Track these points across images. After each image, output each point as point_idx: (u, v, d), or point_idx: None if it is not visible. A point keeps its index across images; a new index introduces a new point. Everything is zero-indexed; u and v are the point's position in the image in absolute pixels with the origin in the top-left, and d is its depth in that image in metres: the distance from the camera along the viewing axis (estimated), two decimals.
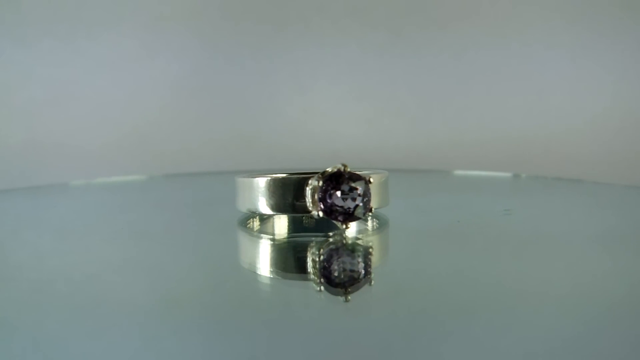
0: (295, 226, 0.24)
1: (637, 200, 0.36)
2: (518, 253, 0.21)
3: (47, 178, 0.51)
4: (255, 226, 0.25)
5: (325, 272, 0.18)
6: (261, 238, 0.23)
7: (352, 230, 0.24)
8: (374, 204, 0.23)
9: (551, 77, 0.55)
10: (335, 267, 0.19)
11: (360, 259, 0.20)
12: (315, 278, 0.18)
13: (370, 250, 0.21)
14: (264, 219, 0.25)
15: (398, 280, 0.18)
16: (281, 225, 0.24)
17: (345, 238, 0.22)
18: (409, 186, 0.41)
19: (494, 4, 0.54)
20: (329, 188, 0.21)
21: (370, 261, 0.19)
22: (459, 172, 0.50)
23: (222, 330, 0.14)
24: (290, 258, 0.21)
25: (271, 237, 0.24)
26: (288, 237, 0.24)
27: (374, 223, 0.25)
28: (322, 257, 0.20)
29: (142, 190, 0.44)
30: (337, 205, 0.21)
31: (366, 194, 0.21)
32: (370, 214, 0.21)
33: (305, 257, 0.20)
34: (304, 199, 0.21)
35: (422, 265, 0.20)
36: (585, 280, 0.18)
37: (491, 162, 0.55)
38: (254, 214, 0.25)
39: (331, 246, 0.21)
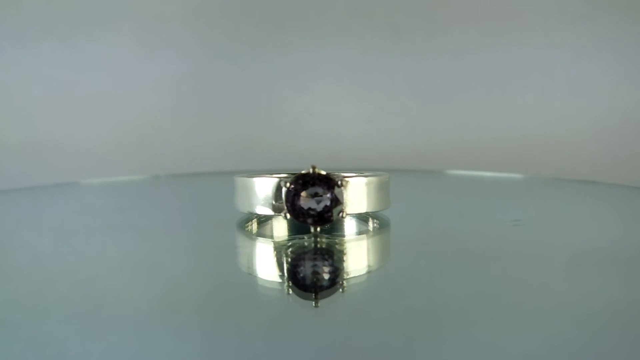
0: (295, 228, 0.24)
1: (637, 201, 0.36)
2: (518, 256, 0.21)
3: (47, 178, 0.51)
4: (254, 227, 0.25)
5: (293, 276, 0.18)
6: (260, 240, 0.23)
7: (352, 231, 0.24)
8: (372, 206, 0.23)
9: (551, 77, 0.55)
10: (304, 272, 0.18)
11: (331, 265, 0.19)
12: (285, 281, 0.18)
13: (343, 255, 0.21)
14: (262, 220, 0.25)
15: (395, 282, 0.18)
16: (280, 227, 0.24)
17: (316, 242, 0.21)
18: (409, 187, 0.41)
19: (494, 5, 0.54)
20: (298, 190, 0.20)
21: (343, 267, 0.19)
22: (459, 173, 0.50)
23: (220, 331, 0.14)
24: (284, 260, 0.21)
25: (270, 239, 0.23)
26: (288, 239, 0.23)
27: (374, 224, 0.25)
28: (291, 261, 0.20)
29: (142, 190, 0.44)
30: (304, 208, 0.20)
31: (337, 197, 0.20)
32: (342, 217, 0.21)
33: (297, 260, 0.20)
34: (281, 199, 0.21)
35: (420, 267, 0.20)
36: (586, 286, 0.18)
37: (491, 162, 0.55)
38: (251, 214, 0.25)
39: (302, 250, 0.21)
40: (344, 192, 0.21)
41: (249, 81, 0.55)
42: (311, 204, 0.20)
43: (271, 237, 0.24)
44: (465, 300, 0.16)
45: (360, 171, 0.26)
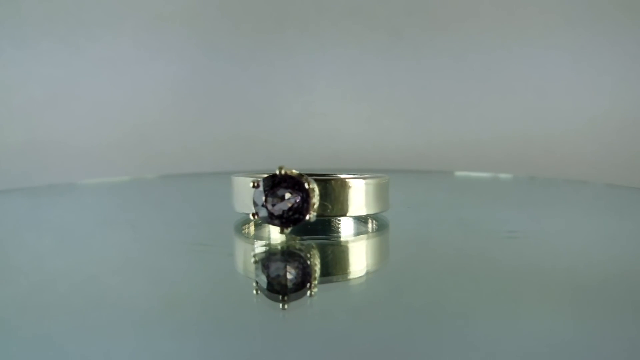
0: (292, 230, 0.24)
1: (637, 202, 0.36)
2: (516, 258, 0.21)
3: (47, 178, 0.51)
4: (252, 229, 0.24)
5: (261, 278, 0.18)
6: (256, 242, 0.23)
7: (349, 233, 0.23)
8: (371, 208, 0.23)
9: (551, 77, 0.55)
10: (269, 274, 0.18)
11: (300, 268, 0.19)
12: (254, 282, 0.18)
13: (309, 259, 0.20)
14: (259, 221, 0.25)
15: (392, 283, 0.18)
16: (277, 228, 0.24)
17: (287, 244, 0.21)
18: (409, 187, 0.41)
19: (494, 5, 0.54)
20: (266, 191, 0.20)
21: (312, 271, 0.19)
22: (459, 173, 0.50)
23: (218, 332, 0.14)
24: (255, 262, 0.21)
25: (267, 240, 0.23)
26: (284, 241, 0.23)
27: (374, 225, 0.25)
28: (259, 263, 0.20)
29: (141, 191, 0.44)
30: (273, 210, 0.20)
31: (305, 199, 0.20)
32: (310, 219, 0.20)
33: (264, 262, 0.20)
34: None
35: (417, 269, 0.20)
36: (585, 286, 0.18)
37: (491, 163, 0.55)
38: (247, 215, 0.24)
39: (273, 252, 0.21)
40: (313, 193, 0.20)
41: (249, 81, 0.55)
42: (282, 205, 0.20)
43: (268, 239, 0.23)
44: (462, 304, 0.16)
45: (359, 173, 0.26)
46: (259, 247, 0.22)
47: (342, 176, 0.25)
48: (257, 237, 0.24)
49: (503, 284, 0.18)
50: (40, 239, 0.25)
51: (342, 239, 0.23)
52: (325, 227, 0.23)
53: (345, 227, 0.24)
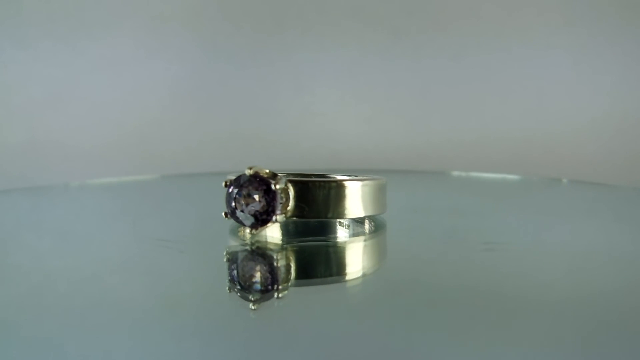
0: (288, 231, 0.23)
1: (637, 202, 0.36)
2: (517, 258, 0.21)
3: (47, 178, 0.51)
4: (248, 230, 0.24)
5: (232, 278, 0.18)
6: (253, 244, 0.23)
7: (345, 234, 0.23)
8: (368, 210, 0.23)
9: (551, 78, 0.55)
10: (241, 274, 0.18)
11: (271, 270, 0.19)
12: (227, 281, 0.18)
13: (276, 261, 0.20)
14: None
15: (385, 285, 0.18)
16: (274, 230, 0.24)
17: (260, 246, 0.21)
18: (409, 188, 0.41)
19: (494, 5, 0.54)
20: (235, 191, 0.20)
21: (280, 273, 0.19)
22: (458, 174, 0.50)
23: (217, 333, 0.14)
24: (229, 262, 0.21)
25: (263, 242, 0.23)
26: (282, 243, 0.23)
27: (371, 226, 0.25)
28: (229, 262, 0.20)
29: (141, 191, 0.44)
30: (239, 210, 0.20)
31: (271, 200, 0.20)
32: (278, 220, 0.20)
33: (235, 262, 0.20)
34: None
35: (413, 270, 0.20)
36: (583, 283, 0.18)
37: (491, 163, 0.55)
38: None
39: (246, 253, 0.21)
40: (285, 194, 0.20)
41: (249, 81, 0.55)
42: (253, 205, 0.20)
43: (265, 241, 0.23)
44: (457, 306, 0.16)
45: (358, 173, 0.26)
46: (235, 247, 0.22)
47: (339, 177, 0.25)
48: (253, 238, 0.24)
49: (499, 287, 0.18)
50: (40, 239, 0.25)
51: (337, 241, 0.23)
52: (322, 229, 0.23)
53: (342, 229, 0.24)
